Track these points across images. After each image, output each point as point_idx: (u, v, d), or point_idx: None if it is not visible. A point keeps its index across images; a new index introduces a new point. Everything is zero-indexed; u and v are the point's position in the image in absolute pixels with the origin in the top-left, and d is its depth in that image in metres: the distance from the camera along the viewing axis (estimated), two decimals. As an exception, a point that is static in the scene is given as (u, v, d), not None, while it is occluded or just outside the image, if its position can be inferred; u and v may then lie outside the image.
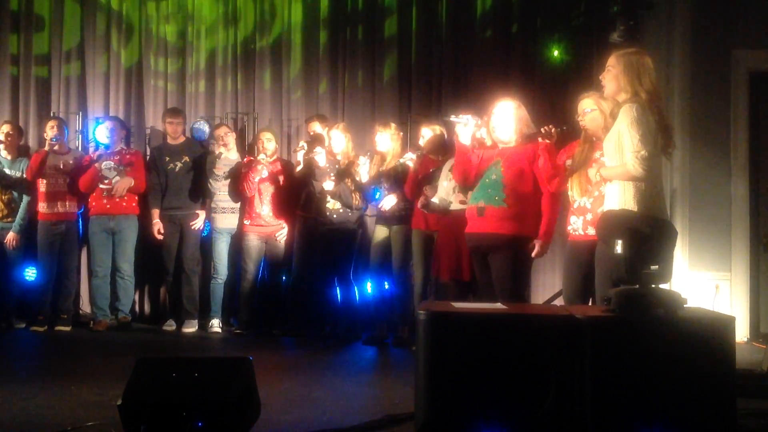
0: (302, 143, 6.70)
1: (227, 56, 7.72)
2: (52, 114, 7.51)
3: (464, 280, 5.49)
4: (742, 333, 6.54)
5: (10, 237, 6.79)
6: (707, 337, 3.38)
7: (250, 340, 6.59)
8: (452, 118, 5.07)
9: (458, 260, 5.50)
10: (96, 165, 6.87)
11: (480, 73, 7.37)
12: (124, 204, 6.94)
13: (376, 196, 6.40)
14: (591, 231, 4.50)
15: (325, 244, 6.56)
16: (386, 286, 6.44)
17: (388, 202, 6.27)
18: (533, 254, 4.77)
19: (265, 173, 6.80)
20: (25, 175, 6.85)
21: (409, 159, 6.15)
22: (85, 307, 7.40)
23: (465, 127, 4.93)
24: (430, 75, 7.54)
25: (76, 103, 7.71)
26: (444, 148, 6.02)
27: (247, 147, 7.45)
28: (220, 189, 6.90)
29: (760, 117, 6.91)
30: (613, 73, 3.92)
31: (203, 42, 7.72)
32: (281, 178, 6.80)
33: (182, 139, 7.17)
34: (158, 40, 7.72)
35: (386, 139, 6.37)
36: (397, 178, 6.23)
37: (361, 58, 7.59)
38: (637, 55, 3.96)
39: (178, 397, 3.37)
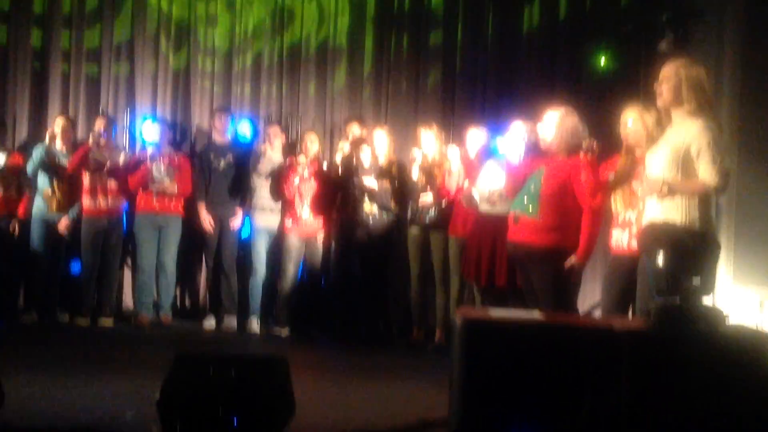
0: (341, 145, 6.75)
1: (273, 59, 7.79)
2: (101, 111, 7.65)
3: (496, 285, 5.47)
4: (787, 350, 6.39)
5: (63, 222, 6.91)
6: (747, 355, 3.32)
7: (287, 340, 6.64)
8: (498, 139, 5.10)
9: (485, 264, 5.48)
10: (147, 165, 6.98)
11: (525, 81, 7.33)
12: (172, 205, 7.05)
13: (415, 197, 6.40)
14: (635, 244, 4.44)
15: (362, 247, 6.59)
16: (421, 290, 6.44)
17: (427, 198, 6.27)
18: (566, 266, 4.66)
19: (305, 175, 6.85)
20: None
21: (452, 154, 6.16)
22: (128, 302, 7.52)
23: (513, 145, 4.95)
24: (475, 82, 7.52)
25: (124, 101, 7.84)
26: (487, 151, 6.01)
27: (289, 148, 7.50)
28: (261, 187, 6.96)
29: (812, 130, 6.76)
30: (673, 83, 3.86)
31: (250, 44, 7.81)
32: (321, 180, 6.85)
33: (228, 137, 7.26)
34: (206, 42, 7.82)
35: (430, 139, 6.38)
36: (433, 176, 6.23)
37: (406, 63, 7.61)
38: (696, 66, 3.91)
39: (214, 394, 3.42)
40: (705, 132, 3.72)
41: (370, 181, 6.47)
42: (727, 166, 3.74)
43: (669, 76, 3.87)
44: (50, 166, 6.88)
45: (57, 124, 7.06)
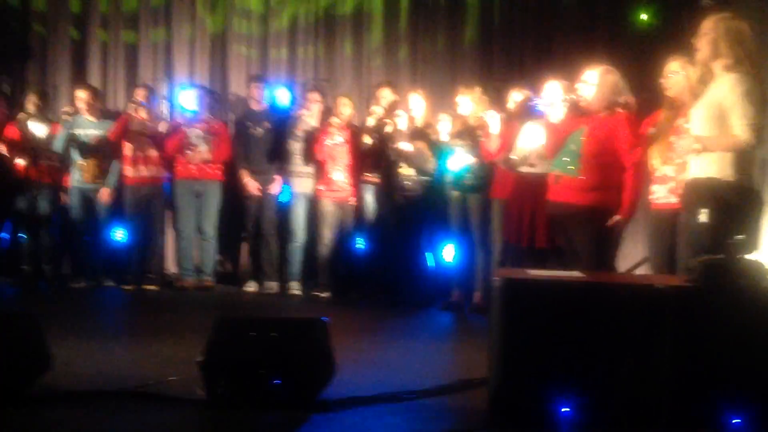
0: (374, 109, 6.72)
1: (309, 22, 7.76)
2: (140, 82, 7.71)
3: (539, 246, 5.44)
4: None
5: (104, 192, 7.01)
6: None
7: (327, 303, 6.70)
8: (536, 101, 5.02)
9: (525, 225, 5.45)
10: (185, 130, 7.04)
11: (563, 37, 7.23)
12: (210, 170, 7.11)
13: (451, 159, 6.34)
14: (674, 199, 4.38)
15: (398, 210, 6.60)
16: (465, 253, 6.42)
17: (458, 161, 6.23)
18: (610, 225, 4.62)
19: (338, 139, 6.85)
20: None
21: (490, 116, 6.08)
22: (171, 267, 7.63)
23: (551, 107, 4.88)
24: (512, 40, 7.43)
25: (162, 69, 7.90)
26: (527, 112, 5.93)
27: (325, 113, 7.49)
28: (298, 151, 6.98)
29: None
30: (710, 38, 3.78)
31: (286, 7, 7.78)
32: (355, 144, 6.84)
33: (265, 105, 7.27)
34: (242, 3, 7.81)
35: (468, 101, 6.31)
36: (474, 137, 6.17)
37: (441, 23, 7.53)
38: (737, 20, 3.81)
39: (256, 355, 3.46)
40: (738, 85, 3.63)
41: (405, 145, 6.45)
42: (761, 121, 3.62)
43: (707, 30, 3.79)
44: (75, 143, 6.98)
45: (78, 98, 7.10)
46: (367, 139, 6.69)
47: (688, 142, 3.92)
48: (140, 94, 7.10)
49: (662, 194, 4.51)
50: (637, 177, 4.65)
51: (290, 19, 7.78)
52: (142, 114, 7.01)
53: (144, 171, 7.09)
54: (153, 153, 7.07)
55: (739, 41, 3.72)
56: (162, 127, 7.12)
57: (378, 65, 7.65)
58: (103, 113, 7.27)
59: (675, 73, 4.44)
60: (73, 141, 7.00)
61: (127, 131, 6.98)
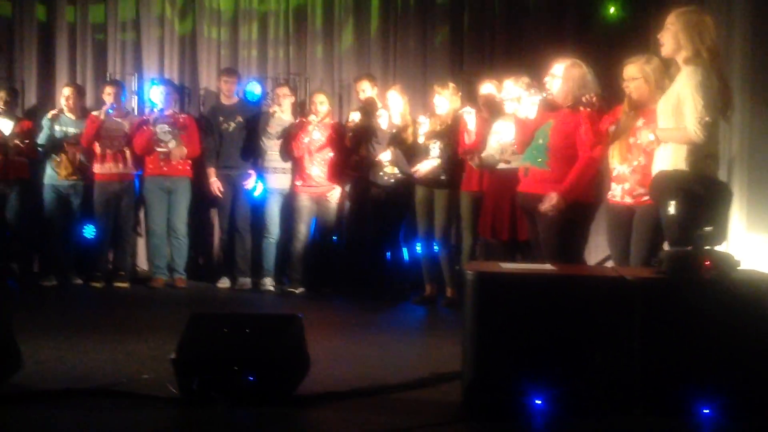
0: (352, 116, 6.71)
1: (279, 20, 7.73)
2: (108, 77, 7.64)
3: (512, 240, 5.47)
4: (799, 298, 6.38)
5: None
6: (760, 300, 3.32)
7: (301, 299, 6.68)
8: (503, 95, 5.05)
9: (505, 220, 5.49)
10: (151, 128, 6.98)
11: (533, 31, 7.26)
12: (180, 167, 7.06)
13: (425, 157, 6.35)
14: (628, 199, 4.44)
15: (375, 205, 6.60)
16: (435, 248, 6.44)
17: (426, 165, 6.24)
18: (542, 208, 4.61)
19: (316, 135, 6.83)
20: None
21: (467, 112, 6.10)
22: (143, 264, 7.58)
23: (519, 103, 4.91)
24: (483, 35, 7.45)
25: (131, 65, 7.83)
26: (496, 107, 5.96)
27: (299, 108, 7.47)
28: (272, 148, 6.94)
29: (824, 77, 6.67)
30: (672, 31, 3.82)
31: (256, 6, 7.73)
32: (333, 140, 6.83)
33: (236, 99, 7.24)
34: (211, 7, 7.76)
35: (444, 100, 6.32)
36: (451, 138, 6.19)
37: (413, 15, 7.53)
38: (697, 13, 3.86)
39: (230, 351, 3.46)
40: (691, 78, 3.68)
41: (385, 156, 6.46)
42: (712, 114, 3.66)
43: (670, 24, 3.84)
44: (57, 140, 6.91)
45: (63, 95, 7.07)
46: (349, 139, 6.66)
47: (647, 133, 4.07)
48: (108, 93, 7.01)
49: (618, 193, 4.53)
50: (586, 167, 4.62)
51: (260, 19, 7.73)
52: (113, 114, 6.94)
53: (113, 168, 7.03)
54: (123, 149, 7.00)
55: (698, 33, 3.76)
56: (131, 124, 7.06)
57: (349, 58, 7.63)
58: (83, 111, 7.20)
59: (633, 80, 4.46)
60: (55, 139, 6.93)
61: (97, 133, 6.91)
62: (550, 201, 4.59)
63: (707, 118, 3.66)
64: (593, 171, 4.70)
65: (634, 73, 4.47)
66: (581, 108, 4.63)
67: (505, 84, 5.55)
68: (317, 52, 7.69)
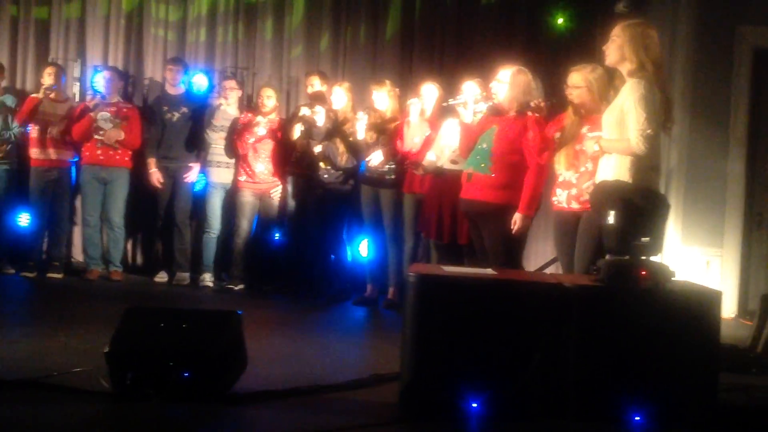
0: (302, 110, 6.66)
1: (229, 6, 7.64)
2: (50, 60, 7.44)
3: (456, 243, 5.50)
4: (730, 309, 6.58)
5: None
6: (693, 310, 3.40)
7: (240, 295, 6.62)
8: (450, 101, 5.08)
9: (447, 222, 5.50)
10: (91, 114, 6.82)
11: (483, 37, 7.33)
12: (117, 157, 6.90)
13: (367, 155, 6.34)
14: (575, 205, 4.50)
15: (318, 204, 6.57)
16: (380, 249, 6.44)
17: (376, 157, 6.25)
18: (513, 228, 4.68)
19: (262, 131, 6.77)
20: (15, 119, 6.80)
21: (413, 104, 6.10)
22: (78, 255, 7.41)
23: (464, 108, 4.93)
24: (433, 36, 7.48)
25: (75, 49, 7.64)
26: (444, 111, 6.00)
27: (246, 102, 7.40)
28: (216, 141, 6.85)
29: (761, 94, 6.87)
30: (617, 43, 3.88)
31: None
32: (278, 136, 6.78)
33: (182, 89, 7.12)
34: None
35: (383, 97, 6.33)
36: (389, 133, 6.20)
37: (364, 15, 7.53)
38: (643, 26, 3.93)
39: (165, 346, 3.39)
40: (634, 91, 3.75)
41: (317, 147, 6.43)
42: (655, 127, 3.75)
43: (615, 36, 3.90)
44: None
45: None
46: (297, 129, 6.59)
47: (591, 144, 4.14)
48: (49, 74, 6.84)
49: (563, 199, 4.60)
50: (539, 177, 4.70)
51: (209, 4, 7.63)
52: (51, 95, 6.77)
53: (51, 153, 6.86)
54: (60, 135, 6.83)
55: (643, 46, 3.83)
56: (70, 109, 6.89)
57: (298, 54, 7.59)
58: (6, 90, 6.98)
59: (576, 87, 4.53)
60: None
61: (34, 113, 6.73)
62: (516, 225, 4.66)
63: (649, 131, 3.73)
64: (545, 178, 4.76)
65: (577, 81, 4.54)
66: (528, 114, 4.68)
67: (466, 84, 5.51)
68: (267, 36, 7.61)
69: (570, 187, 4.56)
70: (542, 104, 4.63)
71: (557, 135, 4.65)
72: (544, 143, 4.64)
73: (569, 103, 4.63)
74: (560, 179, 4.65)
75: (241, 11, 7.63)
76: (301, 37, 7.57)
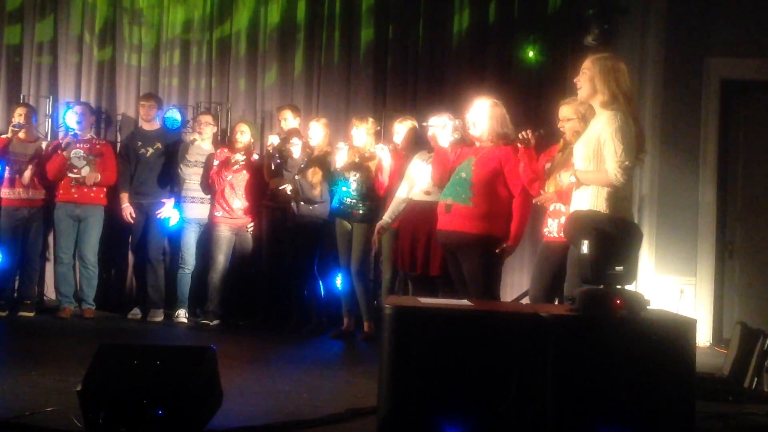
0: (271, 140, 6.67)
1: (202, 51, 7.66)
2: (21, 98, 7.41)
3: (431, 275, 5.49)
4: (704, 338, 6.62)
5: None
6: (668, 339, 3.41)
7: (215, 331, 6.56)
8: (429, 122, 5.10)
9: (420, 253, 5.48)
10: (64, 153, 6.78)
11: (455, 71, 7.40)
12: (92, 195, 6.86)
13: (343, 189, 6.35)
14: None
15: (291, 237, 6.56)
16: (339, 283, 6.43)
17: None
18: (498, 252, 4.72)
19: (237, 167, 6.76)
20: None
21: (380, 149, 6.14)
22: (50, 293, 7.31)
23: (443, 129, 4.95)
24: (406, 71, 7.55)
25: (46, 87, 7.62)
26: (416, 143, 6.03)
27: (220, 138, 7.39)
28: (191, 177, 6.84)
29: (730, 125, 6.99)
30: (588, 76, 3.93)
31: (178, 35, 7.66)
32: (252, 171, 6.77)
33: (156, 125, 7.10)
34: (131, 38, 7.65)
35: (363, 133, 6.35)
36: (366, 169, 6.22)
37: (337, 51, 7.57)
38: (613, 59, 3.99)
39: (138, 384, 3.34)
40: (611, 123, 3.80)
41: (287, 188, 6.44)
42: (631, 158, 3.80)
43: (586, 69, 3.95)
44: None
45: None
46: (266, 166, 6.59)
47: (567, 176, 4.14)
48: (19, 114, 6.79)
49: (554, 228, 4.64)
50: (524, 208, 4.76)
51: (182, 48, 7.65)
52: (21, 135, 6.74)
53: (22, 193, 6.80)
54: (32, 174, 6.77)
55: (614, 79, 3.89)
56: (42, 148, 6.84)
57: (272, 87, 7.60)
58: None
59: (567, 120, 4.60)
60: None
61: (2, 153, 6.68)
62: (503, 252, 4.72)
63: (627, 162, 3.77)
64: (530, 208, 4.82)
65: (568, 113, 4.61)
66: (507, 144, 4.73)
67: (440, 117, 5.50)
68: (240, 84, 7.64)
69: (560, 215, 4.60)
70: (529, 135, 4.67)
71: (547, 166, 4.70)
72: (535, 174, 4.68)
73: (560, 134, 4.68)
74: (551, 209, 4.68)
75: (214, 48, 7.65)
76: (275, 75, 7.59)
